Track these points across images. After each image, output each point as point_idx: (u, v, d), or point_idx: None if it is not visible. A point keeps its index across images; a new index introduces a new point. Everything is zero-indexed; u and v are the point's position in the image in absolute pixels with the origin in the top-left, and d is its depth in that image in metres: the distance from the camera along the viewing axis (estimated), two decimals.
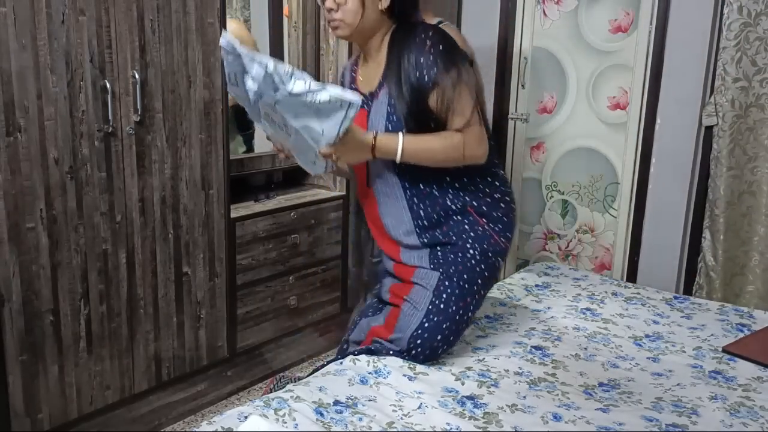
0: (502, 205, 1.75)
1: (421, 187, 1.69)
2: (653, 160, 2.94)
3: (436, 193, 1.69)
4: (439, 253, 1.69)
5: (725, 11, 2.66)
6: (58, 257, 2.01)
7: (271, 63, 1.39)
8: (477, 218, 1.71)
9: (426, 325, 1.62)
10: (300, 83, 1.40)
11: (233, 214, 2.52)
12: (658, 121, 2.91)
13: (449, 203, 1.70)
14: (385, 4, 1.66)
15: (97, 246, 2.10)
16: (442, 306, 1.63)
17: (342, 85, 1.91)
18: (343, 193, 2.95)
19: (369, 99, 1.73)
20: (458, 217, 1.70)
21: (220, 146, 2.41)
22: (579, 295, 2.18)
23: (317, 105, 1.42)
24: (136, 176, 2.17)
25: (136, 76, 2.10)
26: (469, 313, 1.68)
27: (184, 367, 2.43)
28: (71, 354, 2.09)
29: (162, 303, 2.32)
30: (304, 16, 2.96)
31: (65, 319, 2.06)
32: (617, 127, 3.07)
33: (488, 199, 1.73)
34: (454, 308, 1.63)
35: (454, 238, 1.69)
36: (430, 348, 1.60)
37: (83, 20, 1.96)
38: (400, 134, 1.61)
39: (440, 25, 1.95)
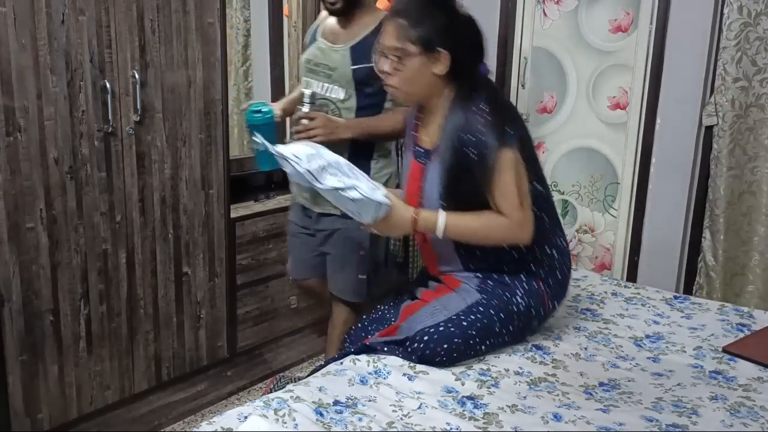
0: (558, 275, 1.77)
1: (478, 254, 1.71)
2: (653, 160, 2.94)
3: (493, 260, 1.72)
4: (490, 283, 1.72)
5: (725, 11, 2.65)
6: (58, 257, 2.01)
7: (302, 163, 1.46)
8: (533, 277, 1.74)
9: (441, 328, 1.61)
10: (332, 179, 1.48)
11: (233, 214, 2.52)
12: (658, 121, 2.90)
13: (506, 268, 1.73)
14: (443, 71, 1.63)
15: (97, 246, 2.10)
16: (464, 323, 1.63)
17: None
18: None
19: (426, 156, 1.72)
20: (515, 273, 1.73)
21: (220, 146, 2.41)
22: (579, 295, 2.17)
23: (351, 199, 1.49)
24: (136, 176, 2.17)
25: (136, 76, 2.10)
26: (483, 346, 1.66)
27: (184, 367, 2.43)
28: (71, 354, 2.09)
29: (162, 303, 2.32)
30: (304, 16, 2.96)
31: (65, 319, 2.06)
32: (617, 126, 3.07)
33: (546, 267, 1.75)
34: (473, 332, 1.63)
35: (507, 280, 1.72)
36: (430, 350, 1.59)
37: (83, 20, 1.96)
38: (441, 212, 1.61)
39: None
